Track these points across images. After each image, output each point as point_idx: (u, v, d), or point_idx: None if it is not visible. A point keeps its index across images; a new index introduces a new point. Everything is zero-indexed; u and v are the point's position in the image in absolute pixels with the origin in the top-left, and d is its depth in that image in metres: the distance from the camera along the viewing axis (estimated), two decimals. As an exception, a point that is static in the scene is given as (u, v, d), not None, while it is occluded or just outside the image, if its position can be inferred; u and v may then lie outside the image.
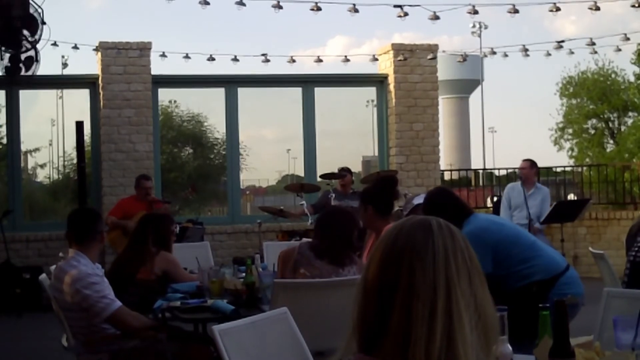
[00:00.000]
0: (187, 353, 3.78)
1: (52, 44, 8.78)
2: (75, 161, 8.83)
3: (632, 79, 18.13)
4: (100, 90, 9.00)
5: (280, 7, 8.01)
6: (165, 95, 10.19)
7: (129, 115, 8.96)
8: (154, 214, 5.68)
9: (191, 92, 10.31)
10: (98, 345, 3.66)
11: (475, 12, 8.28)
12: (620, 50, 10.26)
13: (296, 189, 8.29)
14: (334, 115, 10.49)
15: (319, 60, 10.37)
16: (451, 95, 49.29)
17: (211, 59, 9.90)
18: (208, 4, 8.08)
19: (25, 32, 7.07)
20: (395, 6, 8.10)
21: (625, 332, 2.26)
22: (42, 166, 10.86)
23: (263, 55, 9.98)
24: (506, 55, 10.32)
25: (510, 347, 2.12)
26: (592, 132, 18.95)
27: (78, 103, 9.72)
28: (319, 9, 8.02)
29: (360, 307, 1.28)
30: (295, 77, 9.89)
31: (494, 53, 10.44)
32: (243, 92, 9.57)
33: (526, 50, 9.93)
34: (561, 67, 30.75)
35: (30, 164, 10.82)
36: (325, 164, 9.48)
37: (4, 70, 6.69)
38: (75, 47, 9.54)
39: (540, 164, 8.59)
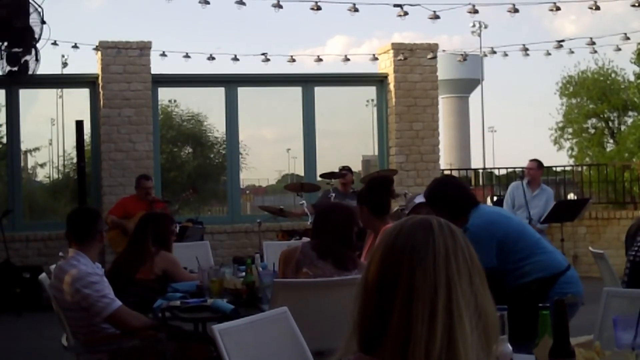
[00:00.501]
0: (186, 352, 3.77)
1: (52, 43, 8.78)
2: (75, 161, 8.82)
3: (632, 78, 18.12)
4: (100, 90, 9.00)
5: (280, 7, 7.99)
6: (165, 94, 10.15)
7: (128, 115, 8.96)
8: (153, 213, 5.67)
9: (191, 91, 10.30)
10: (98, 345, 3.67)
11: (475, 12, 8.28)
12: (620, 49, 10.20)
13: (296, 189, 8.28)
14: (334, 115, 10.48)
15: (319, 60, 10.34)
16: (451, 94, 49.24)
17: (211, 58, 9.89)
18: (208, 3, 8.07)
19: (25, 32, 7.07)
20: (395, 5, 8.07)
21: (625, 332, 2.26)
22: (42, 165, 10.80)
23: (263, 54, 9.96)
24: (506, 55, 10.30)
25: (510, 347, 2.11)
26: (592, 131, 18.93)
27: (78, 102, 9.76)
28: (319, 8, 8.01)
29: (360, 306, 1.27)
30: (295, 76, 9.90)
31: (494, 52, 10.39)
32: (243, 92, 9.58)
33: (526, 49, 9.92)
34: (561, 67, 30.74)
35: (30, 164, 10.82)
36: (325, 164, 9.48)
37: (3, 69, 6.68)
38: (75, 47, 9.51)
39: None
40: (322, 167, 9.37)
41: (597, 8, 8.15)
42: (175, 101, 12.20)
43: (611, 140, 18.66)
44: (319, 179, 8.99)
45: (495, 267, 3.50)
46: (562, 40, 9.70)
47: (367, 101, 10.56)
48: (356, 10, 8.22)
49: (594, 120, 18.93)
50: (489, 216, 3.74)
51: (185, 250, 5.34)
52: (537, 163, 8.10)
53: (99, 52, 9.04)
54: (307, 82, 9.74)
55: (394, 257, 1.26)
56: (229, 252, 8.77)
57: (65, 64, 18.41)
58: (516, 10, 8.20)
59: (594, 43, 9.87)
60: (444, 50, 11.51)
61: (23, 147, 9.49)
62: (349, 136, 10.81)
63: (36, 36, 7.28)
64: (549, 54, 10.12)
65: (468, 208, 3.68)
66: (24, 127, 9.14)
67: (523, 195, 7.83)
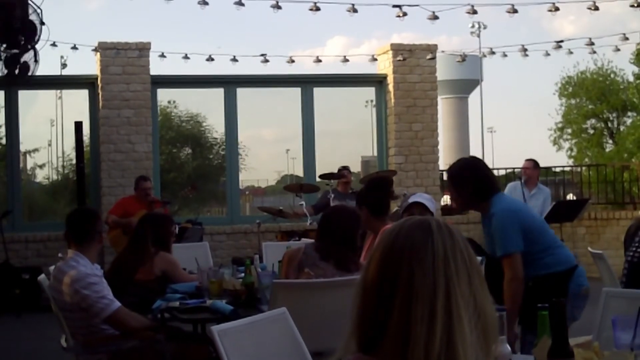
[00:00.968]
0: (186, 353, 3.77)
1: (51, 44, 8.79)
2: (74, 162, 8.82)
3: (631, 78, 18.12)
4: (99, 91, 8.98)
5: (279, 7, 7.99)
6: (164, 95, 10.22)
7: (128, 116, 8.94)
8: (153, 214, 5.68)
9: (190, 92, 10.29)
10: (97, 346, 3.66)
11: (474, 12, 8.27)
12: (619, 50, 10.25)
13: (295, 189, 8.27)
14: (333, 116, 10.47)
15: (318, 61, 10.36)
16: (450, 95, 49.19)
17: (210, 59, 9.91)
18: (207, 4, 8.07)
19: (24, 33, 7.07)
20: (394, 6, 8.07)
21: (624, 332, 2.27)
22: (41, 167, 10.89)
23: (262, 55, 9.97)
24: (505, 55, 10.31)
25: (509, 347, 2.11)
26: (591, 132, 18.91)
27: (77, 103, 9.71)
28: (317, 9, 8.00)
29: (359, 307, 1.28)
30: (294, 77, 9.88)
31: (493, 53, 10.43)
32: (242, 93, 9.56)
33: (525, 50, 9.91)
34: (560, 67, 30.60)
35: (29, 165, 10.82)
36: (324, 164, 9.48)
37: (2, 70, 6.68)
38: (74, 48, 9.55)
39: (539, 164, 8.61)
40: (321, 168, 9.36)
41: (596, 8, 8.15)
42: (174, 102, 12.27)
43: (610, 141, 18.66)
44: (318, 179, 8.98)
45: (522, 253, 3.52)
46: (561, 41, 9.71)
47: (366, 102, 10.56)
48: (355, 11, 8.22)
49: (593, 120, 18.91)
50: (514, 204, 3.77)
51: (185, 251, 5.34)
52: (533, 162, 8.13)
53: (98, 53, 9.02)
54: (306, 82, 9.72)
55: (393, 257, 1.26)
56: (228, 253, 8.76)
57: (64, 65, 18.41)
58: (515, 11, 8.20)
59: (593, 43, 9.88)
60: (443, 51, 11.57)
61: (22, 148, 9.50)
62: (348, 137, 10.81)
63: (35, 37, 7.28)
64: (548, 54, 10.15)
65: (491, 193, 3.63)
66: (23, 128, 9.13)
67: (522, 195, 7.87)
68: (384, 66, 9.88)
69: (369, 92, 10.11)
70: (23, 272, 8.10)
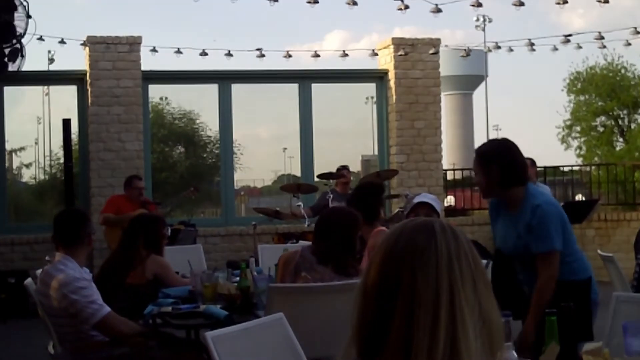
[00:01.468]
0: (179, 360, 3.74)
1: (38, 39, 8.93)
2: (62, 161, 8.73)
3: (642, 74, 17.99)
4: (88, 87, 8.87)
5: (276, 0, 7.97)
6: (155, 91, 10.25)
7: (118, 113, 8.84)
8: (144, 215, 5.64)
9: (183, 88, 10.23)
10: (86, 353, 3.63)
11: (479, 5, 8.18)
12: (630, 44, 10.45)
13: (292, 190, 8.18)
14: (332, 113, 10.42)
15: (316, 56, 10.38)
16: (454, 91, 49.15)
17: (204, 54, 9.89)
18: (199, -4, 7.89)
19: (9, 26, 6.93)
20: None
21: (635, 338, 2.25)
22: (28, 166, 11.06)
23: (258, 50, 9.93)
24: (511, 50, 10.51)
25: (515, 354, 2.07)
26: (601, 130, 18.82)
27: (65, 100, 9.66)
28: (316, 1, 7.94)
29: (359, 312, 1.26)
30: (292, 72, 9.82)
31: (499, 47, 10.59)
32: (237, 89, 9.48)
33: (532, 44, 9.96)
34: (568, 62, 30.74)
35: (15, 164, 10.80)
36: (323, 164, 9.43)
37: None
38: (62, 42, 9.60)
39: (547, 163, 8.69)
40: (319, 167, 9.29)
41: (606, 1, 8.23)
42: (166, 98, 12.35)
43: (621, 139, 18.56)
44: (316, 179, 8.91)
45: (560, 253, 3.26)
46: (570, 35, 10.18)
47: (367, 98, 10.49)
48: (355, 3, 8.21)
49: (602, 118, 18.81)
50: (550, 197, 3.53)
51: (177, 254, 5.33)
52: (531, 161, 8.40)
53: (87, 48, 8.91)
54: (304, 78, 9.63)
55: (394, 260, 1.24)
56: (223, 256, 8.70)
57: (51, 60, 18.47)
58: (521, 4, 8.24)
59: (602, 38, 9.96)
60: (446, 45, 11.68)
61: (8, 146, 9.40)
62: (348, 135, 10.76)
63: (21, 31, 7.17)
64: (556, 49, 10.18)
65: (525, 179, 3.36)
66: (8, 126, 9.02)
67: None
68: (385, 61, 9.81)
69: (370, 88, 10.04)
70: (9, 276, 8.04)
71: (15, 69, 7.32)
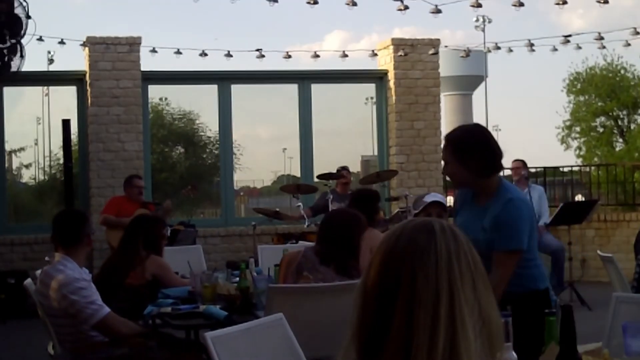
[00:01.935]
0: (178, 361, 3.75)
1: (37, 39, 8.72)
2: (61, 161, 8.71)
3: (642, 75, 17.99)
4: (88, 87, 8.85)
5: (276, 1, 7.90)
6: (155, 92, 10.21)
7: (117, 113, 8.82)
8: (144, 216, 5.69)
9: (183, 88, 10.18)
10: (86, 353, 3.63)
11: (479, 6, 8.15)
12: (629, 45, 10.43)
13: (292, 190, 8.16)
14: (332, 113, 10.40)
15: (316, 56, 10.30)
16: (454, 92, 49.09)
17: (203, 54, 9.88)
18: (199, -4, 7.89)
19: (9, 27, 6.93)
20: None
21: (635, 339, 2.24)
22: (27, 166, 11.00)
23: (258, 50, 9.88)
24: (511, 51, 10.39)
25: (515, 355, 2.06)
26: (601, 130, 18.82)
27: (65, 100, 9.62)
28: (315, 2, 7.89)
29: (359, 312, 1.26)
30: (291, 73, 9.79)
31: (498, 48, 10.47)
32: (237, 89, 9.46)
33: (532, 45, 9.91)
34: (568, 63, 30.64)
35: (15, 164, 10.76)
36: (323, 164, 9.41)
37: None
38: (62, 42, 9.58)
39: (546, 164, 8.79)
40: (319, 168, 9.27)
41: (606, 2, 8.20)
42: (166, 99, 12.34)
43: (620, 140, 18.57)
44: (316, 180, 8.86)
45: (523, 253, 2.99)
46: (569, 35, 10.08)
47: (366, 99, 10.47)
48: (354, 4, 8.18)
49: (602, 118, 18.82)
50: (524, 195, 3.37)
51: (177, 255, 5.33)
52: (522, 162, 8.33)
53: (87, 48, 8.90)
54: (304, 79, 9.60)
55: (394, 261, 1.24)
56: (223, 257, 8.69)
57: (51, 61, 18.44)
58: (521, 4, 8.19)
59: (602, 38, 9.91)
60: (446, 46, 11.66)
61: (7, 147, 9.37)
62: (348, 135, 10.73)
63: (21, 31, 7.16)
64: (556, 49, 10.17)
65: (495, 170, 3.09)
66: (8, 126, 9.00)
67: None
68: (385, 62, 9.79)
69: (369, 89, 10.02)
70: (8, 277, 8.01)
71: (15, 69, 7.33)
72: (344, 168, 8.24)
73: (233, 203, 9.89)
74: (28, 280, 4.32)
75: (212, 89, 9.38)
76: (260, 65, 10.08)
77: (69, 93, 9.27)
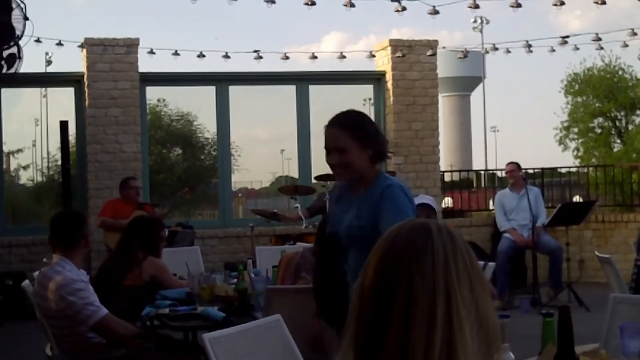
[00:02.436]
0: (176, 362, 3.75)
1: (35, 41, 8.73)
2: (59, 162, 8.69)
3: (639, 75, 17.97)
4: (86, 89, 8.83)
5: (273, 2, 7.87)
6: (153, 93, 10.20)
7: (115, 115, 8.80)
8: (142, 217, 5.65)
9: (180, 90, 10.19)
10: (83, 355, 3.63)
11: (477, 7, 8.13)
12: (627, 46, 10.36)
13: (290, 191, 8.14)
14: (330, 114, 10.11)
15: (314, 57, 10.26)
16: (451, 93, 49.14)
17: (201, 55, 9.86)
18: (197, -3, 7.89)
19: (7, 28, 6.93)
20: (392, 0, 8.01)
21: (632, 340, 2.25)
22: (25, 168, 11.01)
23: (255, 51, 9.87)
24: (509, 52, 10.34)
25: (512, 356, 2.08)
26: (599, 131, 18.78)
27: (62, 102, 9.74)
28: (313, 3, 7.87)
29: (357, 313, 1.26)
30: (289, 74, 9.77)
31: (496, 49, 10.42)
32: (234, 90, 9.43)
33: (529, 46, 9.89)
34: (566, 64, 30.62)
35: (13, 166, 10.75)
36: (321, 165, 9.28)
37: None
38: (60, 44, 9.54)
39: (544, 165, 8.80)
40: (317, 169, 9.20)
41: (603, 2, 8.17)
42: (164, 100, 12.36)
43: (618, 141, 18.53)
44: (314, 181, 8.84)
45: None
46: (567, 36, 9.97)
47: (364, 100, 10.45)
48: (352, 5, 8.15)
49: (600, 119, 18.78)
50: (405, 185, 3.14)
51: (175, 256, 5.33)
52: (516, 165, 8.41)
53: (85, 50, 8.88)
54: (302, 80, 9.60)
55: (391, 261, 1.24)
56: (221, 258, 8.68)
57: (49, 62, 18.42)
58: (519, 5, 8.14)
59: (600, 39, 9.89)
60: (444, 47, 11.65)
61: (5, 148, 9.35)
62: None
63: (19, 33, 7.15)
64: (554, 50, 10.14)
65: (384, 157, 2.98)
66: (6, 127, 8.98)
67: (514, 198, 8.20)
68: (383, 63, 9.78)
69: (367, 90, 10.00)
70: (6, 278, 7.98)
71: (13, 71, 7.31)
72: (342, 168, 8.29)
73: (231, 204, 9.86)
74: (26, 282, 4.32)
75: (210, 90, 9.37)
76: (258, 67, 10.30)
77: (66, 94, 9.26)
